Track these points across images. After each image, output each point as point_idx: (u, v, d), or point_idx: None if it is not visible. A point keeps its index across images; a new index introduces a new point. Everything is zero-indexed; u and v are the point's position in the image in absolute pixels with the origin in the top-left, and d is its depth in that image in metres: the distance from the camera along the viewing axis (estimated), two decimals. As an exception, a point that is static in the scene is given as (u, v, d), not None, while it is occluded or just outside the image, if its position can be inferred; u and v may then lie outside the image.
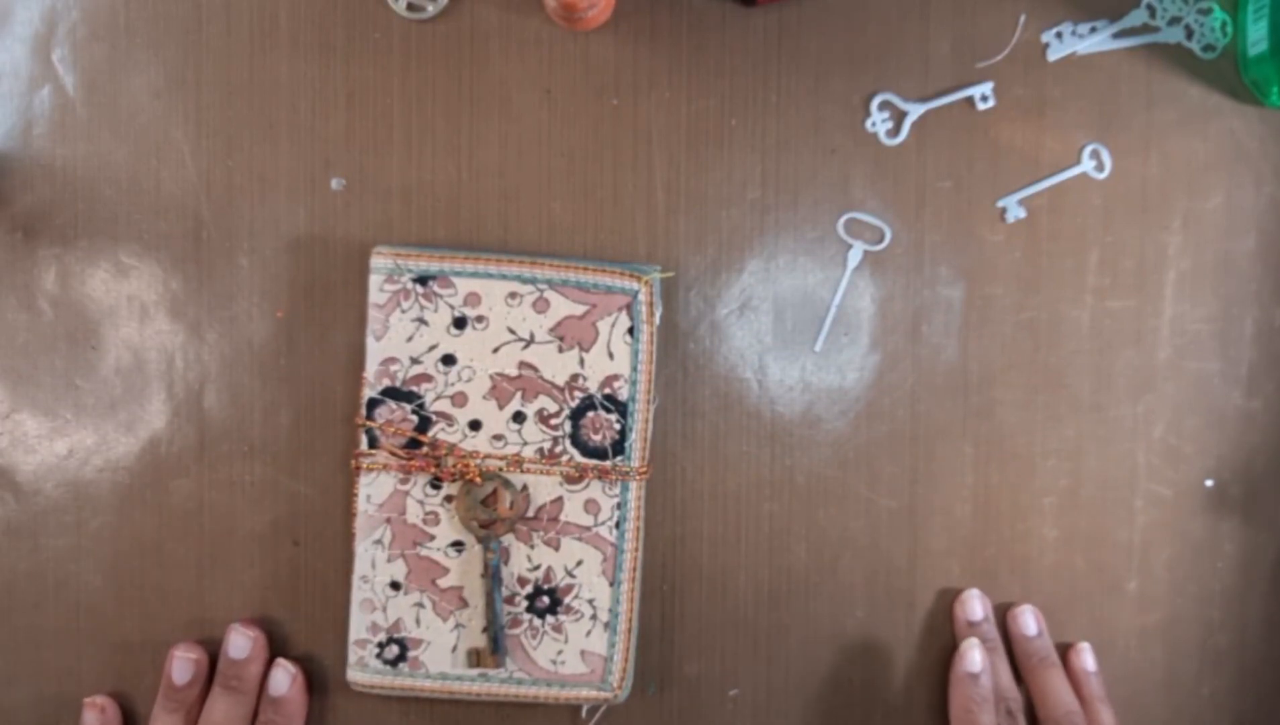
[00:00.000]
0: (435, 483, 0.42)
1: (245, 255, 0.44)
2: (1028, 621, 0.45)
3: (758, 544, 0.45)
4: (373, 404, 0.42)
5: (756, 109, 0.44)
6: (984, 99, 0.44)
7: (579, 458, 0.43)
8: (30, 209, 0.43)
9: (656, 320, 0.43)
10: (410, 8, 0.43)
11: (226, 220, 0.44)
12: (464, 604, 0.43)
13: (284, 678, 0.43)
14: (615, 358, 0.42)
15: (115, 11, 0.43)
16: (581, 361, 0.42)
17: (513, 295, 0.42)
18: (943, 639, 0.45)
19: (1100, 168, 0.45)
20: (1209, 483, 0.46)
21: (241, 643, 0.43)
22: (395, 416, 0.42)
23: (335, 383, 0.44)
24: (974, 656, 0.43)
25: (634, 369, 0.42)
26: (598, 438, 0.42)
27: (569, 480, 0.43)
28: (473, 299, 0.42)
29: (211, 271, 0.44)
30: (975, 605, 0.45)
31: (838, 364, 0.45)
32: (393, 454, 0.42)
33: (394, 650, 0.43)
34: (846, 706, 0.45)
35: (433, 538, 0.42)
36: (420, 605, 0.43)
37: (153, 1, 0.43)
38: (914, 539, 0.45)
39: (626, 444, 0.43)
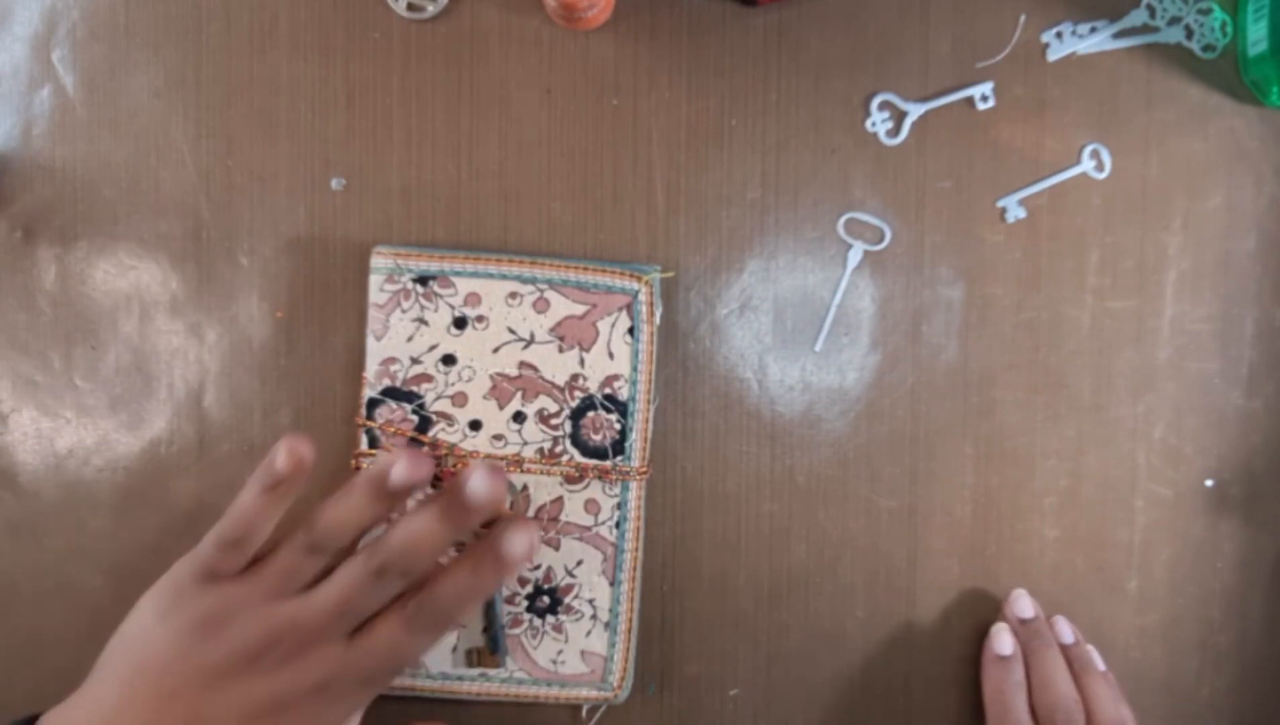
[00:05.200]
0: (435, 482, 0.42)
1: (245, 255, 0.44)
2: (1063, 629, 0.44)
3: (758, 544, 0.45)
4: (373, 404, 0.42)
5: (756, 109, 0.44)
6: (984, 99, 0.44)
7: (579, 457, 0.43)
8: (30, 209, 0.43)
9: (657, 320, 0.43)
10: (410, 8, 0.43)
11: (226, 220, 0.44)
12: None
13: (523, 541, 0.36)
14: (615, 358, 0.42)
15: (115, 11, 0.43)
16: (582, 361, 0.42)
17: (513, 295, 0.42)
18: (943, 639, 0.45)
19: (1100, 168, 0.45)
20: (1209, 483, 0.46)
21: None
22: (395, 416, 0.42)
23: (335, 383, 0.44)
24: (1004, 639, 0.43)
25: (634, 369, 0.42)
26: (598, 438, 0.42)
27: (569, 480, 0.43)
28: (473, 299, 0.42)
29: (211, 271, 0.44)
30: (1025, 603, 0.45)
31: (838, 364, 0.45)
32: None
33: None
34: (846, 706, 0.45)
35: None
36: None
37: (153, 1, 0.43)
38: (914, 539, 0.45)
39: (627, 444, 0.43)
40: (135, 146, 0.43)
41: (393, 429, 0.42)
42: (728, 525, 0.45)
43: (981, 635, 0.45)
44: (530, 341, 0.42)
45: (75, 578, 0.44)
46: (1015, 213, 0.45)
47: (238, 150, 0.44)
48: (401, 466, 0.35)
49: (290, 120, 0.44)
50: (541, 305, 0.42)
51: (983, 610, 0.46)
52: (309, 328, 0.44)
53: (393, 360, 0.42)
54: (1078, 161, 0.45)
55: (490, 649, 0.42)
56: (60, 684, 0.45)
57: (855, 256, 0.45)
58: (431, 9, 0.43)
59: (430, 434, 0.42)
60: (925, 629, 0.45)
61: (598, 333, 0.42)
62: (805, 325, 0.45)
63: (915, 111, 0.44)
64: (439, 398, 0.42)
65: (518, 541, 0.36)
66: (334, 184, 0.44)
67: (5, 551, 0.44)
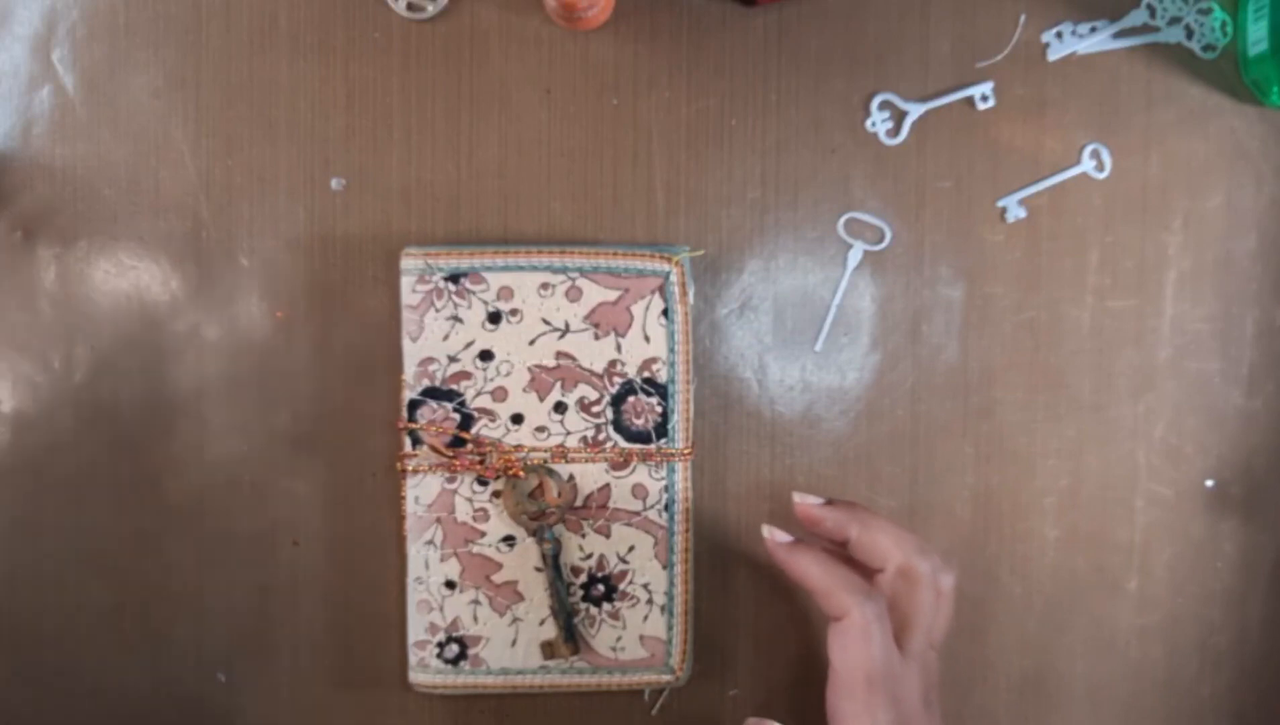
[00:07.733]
0: (482, 479, 0.42)
1: (245, 255, 0.44)
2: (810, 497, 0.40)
3: (758, 544, 0.45)
4: (414, 405, 0.42)
5: (756, 109, 0.44)
6: (984, 99, 0.44)
7: (623, 443, 0.43)
8: (30, 209, 0.43)
9: (690, 300, 0.43)
10: (410, 8, 0.43)
11: (226, 220, 0.44)
12: (519, 598, 0.43)
13: None
14: (652, 341, 0.42)
15: (115, 11, 0.43)
16: (618, 347, 0.42)
17: (545, 286, 0.42)
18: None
19: (1100, 168, 0.45)
20: (1209, 483, 0.46)
21: None
22: (437, 416, 0.42)
23: (335, 383, 0.44)
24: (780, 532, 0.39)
25: (671, 351, 0.42)
26: (640, 422, 0.43)
27: (614, 466, 0.43)
28: (505, 292, 0.42)
29: (211, 271, 0.44)
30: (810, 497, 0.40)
31: (838, 364, 0.45)
32: (435, 452, 0.42)
33: (454, 649, 0.43)
34: (846, 706, 0.45)
35: (484, 534, 0.43)
36: (476, 602, 0.43)
37: (153, 1, 0.43)
38: (914, 539, 0.45)
39: (669, 426, 0.43)
40: (135, 146, 0.43)
41: (435, 429, 0.42)
42: (727, 526, 0.45)
43: (982, 637, 0.45)
44: (565, 331, 0.42)
45: (75, 578, 0.44)
46: (1015, 213, 0.45)
47: (238, 150, 0.44)
48: None
49: (290, 120, 0.44)
50: (574, 294, 0.42)
51: (982, 610, 0.46)
52: (309, 328, 0.44)
53: (430, 360, 0.42)
54: (1078, 161, 0.45)
55: (563, 638, 0.42)
56: (60, 684, 0.45)
57: (855, 256, 0.45)
58: (431, 9, 0.43)
59: (473, 431, 0.42)
60: (925, 629, 0.45)
61: (632, 317, 0.42)
62: (805, 325, 0.45)
63: (915, 111, 0.44)
64: (479, 394, 0.42)
65: None
66: (334, 184, 0.44)
67: (5, 551, 0.44)
